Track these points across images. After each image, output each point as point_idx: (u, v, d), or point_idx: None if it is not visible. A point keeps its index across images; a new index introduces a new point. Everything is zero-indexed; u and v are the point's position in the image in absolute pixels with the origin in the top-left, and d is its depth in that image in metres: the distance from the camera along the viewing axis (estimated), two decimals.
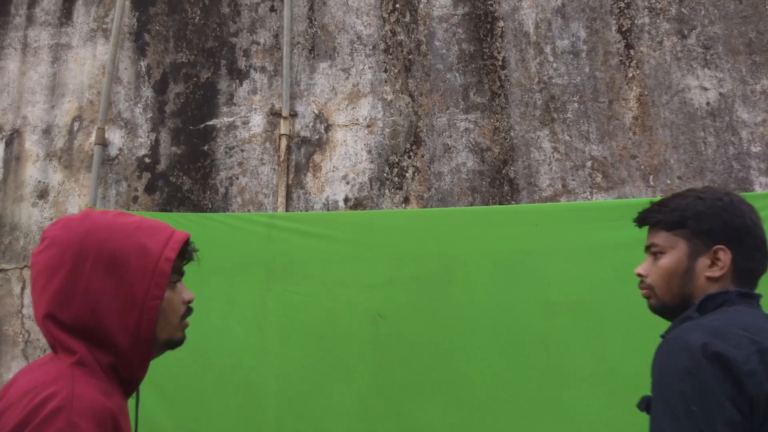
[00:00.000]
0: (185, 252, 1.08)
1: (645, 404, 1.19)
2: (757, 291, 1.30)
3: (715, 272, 1.20)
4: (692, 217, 1.24)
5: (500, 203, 2.85)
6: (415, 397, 2.62)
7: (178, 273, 1.07)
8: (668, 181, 2.78)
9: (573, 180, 2.83)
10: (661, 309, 1.31)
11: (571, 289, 2.64)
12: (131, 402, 1.05)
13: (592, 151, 2.85)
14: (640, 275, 1.35)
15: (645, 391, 2.66)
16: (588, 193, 2.81)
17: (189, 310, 1.10)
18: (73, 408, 0.86)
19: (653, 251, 1.30)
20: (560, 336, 2.60)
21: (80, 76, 3.21)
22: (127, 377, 0.99)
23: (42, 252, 0.98)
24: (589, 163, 2.84)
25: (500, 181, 2.87)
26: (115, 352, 0.96)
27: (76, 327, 0.94)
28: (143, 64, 3.19)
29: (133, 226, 1.00)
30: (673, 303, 1.27)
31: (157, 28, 3.24)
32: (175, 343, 1.07)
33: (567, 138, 2.87)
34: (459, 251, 2.73)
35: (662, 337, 1.20)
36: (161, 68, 3.18)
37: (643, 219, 1.35)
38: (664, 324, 2.47)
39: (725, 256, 1.19)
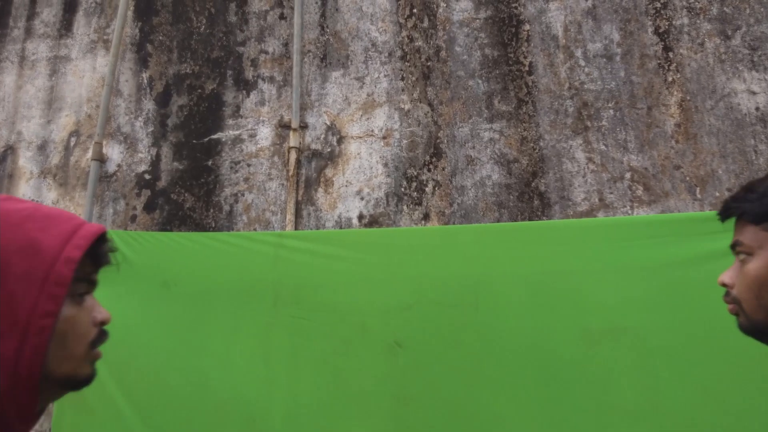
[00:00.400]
0: (100, 252, 0.75)
1: None
2: None
3: None
4: None
5: (530, 219, 2.59)
6: (452, 427, 2.33)
7: (87, 281, 0.75)
8: (717, 194, 2.50)
9: (611, 193, 2.56)
10: (752, 329, 0.98)
11: (612, 314, 2.36)
12: None
13: (631, 162, 2.59)
14: (724, 284, 1.02)
15: (699, 429, 2.28)
16: (628, 208, 2.54)
17: (102, 335, 0.77)
18: None
19: (738, 251, 0.99)
20: (602, 367, 2.31)
21: (79, 89, 3.03)
22: None
23: None
24: (628, 175, 2.57)
25: (530, 195, 2.61)
26: None
27: None
28: (145, 75, 3.00)
29: (23, 213, 0.68)
30: None
31: (161, 38, 3.06)
32: (80, 381, 0.74)
33: (603, 147, 2.62)
34: (486, 272, 2.47)
35: None
36: (164, 80, 2.99)
37: (726, 209, 1.03)
38: (724, 353, 2.17)
39: None
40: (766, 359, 2.03)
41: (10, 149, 2.97)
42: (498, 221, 2.61)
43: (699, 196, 2.54)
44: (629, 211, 2.54)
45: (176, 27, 3.08)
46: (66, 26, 3.17)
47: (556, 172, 2.62)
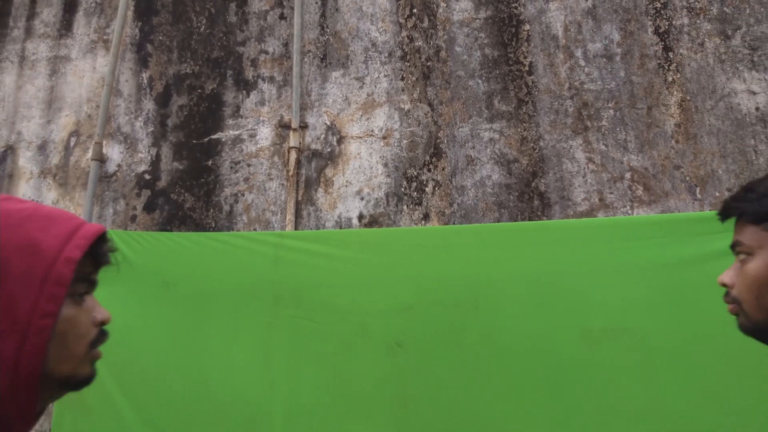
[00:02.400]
0: (100, 252, 0.75)
1: None
2: None
3: None
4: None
5: (530, 219, 2.58)
6: (452, 424, 2.33)
7: (87, 281, 0.74)
8: (717, 194, 2.50)
9: (611, 193, 2.56)
10: (752, 330, 0.98)
11: (613, 314, 2.36)
12: None
13: (631, 162, 2.59)
14: (724, 285, 1.02)
15: (700, 430, 2.29)
16: (628, 208, 2.54)
17: (102, 335, 0.77)
18: None
19: (738, 251, 0.99)
20: (602, 367, 2.31)
21: (79, 89, 3.02)
22: None
23: None
24: (628, 175, 2.57)
25: (530, 195, 2.61)
26: None
27: None
28: (145, 75, 3.00)
29: (23, 213, 0.69)
30: None
31: (161, 38, 3.06)
32: (79, 381, 0.74)
33: (603, 147, 2.62)
34: (486, 273, 2.47)
35: None
36: (164, 80, 2.99)
37: (727, 209, 1.03)
38: (725, 354, 2.16)
39: None
40: (766, 360, 2.03)
41: (10, 149, 2.97)
42: (498, 221, 2.60)
43: (699, 196, 2.54)
44: (629, 211, 2.54)
45: (176, 27, 3.08)
46: (66, 26, 3.16)
47: (556, 172, 2.62)
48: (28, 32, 3.17)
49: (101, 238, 0.74)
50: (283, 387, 2.44)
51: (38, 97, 3.04)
